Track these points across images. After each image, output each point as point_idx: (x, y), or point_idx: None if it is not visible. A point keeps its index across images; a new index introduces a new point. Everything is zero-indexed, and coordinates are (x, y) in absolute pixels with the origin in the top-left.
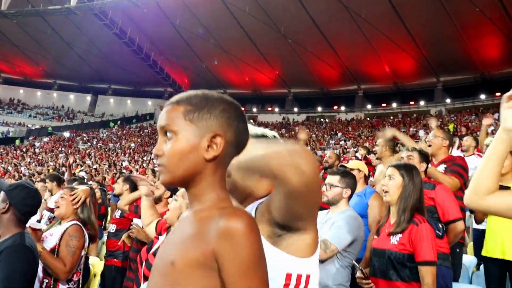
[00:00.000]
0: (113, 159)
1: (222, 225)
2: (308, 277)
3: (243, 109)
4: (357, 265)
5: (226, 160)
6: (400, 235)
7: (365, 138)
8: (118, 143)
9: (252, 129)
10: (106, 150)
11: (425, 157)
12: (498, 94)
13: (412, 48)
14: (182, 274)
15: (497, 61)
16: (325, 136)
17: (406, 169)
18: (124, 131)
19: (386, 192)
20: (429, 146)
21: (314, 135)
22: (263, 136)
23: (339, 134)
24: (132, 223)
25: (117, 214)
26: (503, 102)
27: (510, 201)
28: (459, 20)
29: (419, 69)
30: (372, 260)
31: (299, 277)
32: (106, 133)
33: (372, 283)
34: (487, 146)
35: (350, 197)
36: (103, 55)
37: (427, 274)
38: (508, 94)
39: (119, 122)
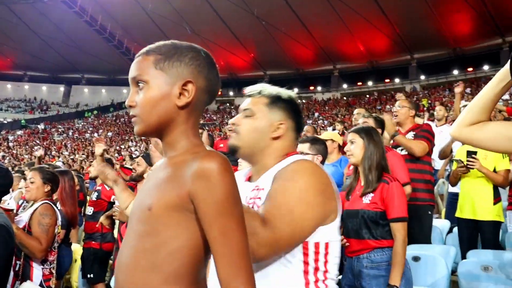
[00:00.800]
0: (91, 149)
1: (196, 166)
2: (327, 245)
3: (219, 93)
4: None
5: (198, 107)
6: (372, 194)
7: (342, 117)
8: (95, 133)
9: (267, 89)
10: (83, 140)
11: (380, 123)
12: (470, 69)
13: (385, 26)
14: (159, 218)
15: (468, 36)
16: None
17: (365, 131)
18: (101, 121)
19: (350, 155)
20: (396, 116)
21: None
22: (278, 97)
23: (316, 114)
24: (114, 206)
25: (94, 196)
26: None
27: (486, 131)
28: None
29: (393, 47)
30: (345, 222)
31: (316, 245)
32: (82, 123)
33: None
34: (464, 106)
35: (322, 163)
36: (74, 44)
37: (399, 230)
38: None
39: (95, 112)
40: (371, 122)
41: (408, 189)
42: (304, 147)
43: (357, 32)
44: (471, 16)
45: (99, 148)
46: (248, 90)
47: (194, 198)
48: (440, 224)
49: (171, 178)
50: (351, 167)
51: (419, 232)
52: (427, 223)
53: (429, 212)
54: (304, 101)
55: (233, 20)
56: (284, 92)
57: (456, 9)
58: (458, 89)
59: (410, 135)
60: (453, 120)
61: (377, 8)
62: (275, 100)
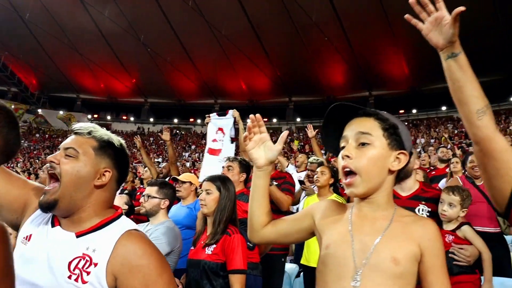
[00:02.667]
0: None
1: None
2: None
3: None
4: None
5: None
6: (214, 245)
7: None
8: None
9: (99, 131)
10: None
11: (246, 167)
12: None
13: (268, 68)
14: None
15: (341, 86)
16: (179, 148)
17: (222, 182)
18: None
19: (204, 205)
20: None
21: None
22: (108, 142)
23: (193, 147)
24: None
25: None
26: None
27: (279, 229)
28: (311, 47)
29: (273, 88)
30: (187, 271)
31: None
32: None
33: None
34: (310, 163)
35: (168, 208)
36: None
37: (236, 282)
38: (244, 135)
39: None
40: (235, 167)
41: None
42: (152, 190)
43: (240, 70)
44: (345, 69)
45: None
46: (76, 127)
47: None
48: (289, 268)
49: None
50: None
51: (272, 277)
52: (280, 269)
53: (282, 259)
54: (183, 132)
55: (118, 43)
56: (116, 138)
57: (332, 61)
58: (310, 134)
59: (273, 183)
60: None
61: (262, 50)
62: (105, 146)
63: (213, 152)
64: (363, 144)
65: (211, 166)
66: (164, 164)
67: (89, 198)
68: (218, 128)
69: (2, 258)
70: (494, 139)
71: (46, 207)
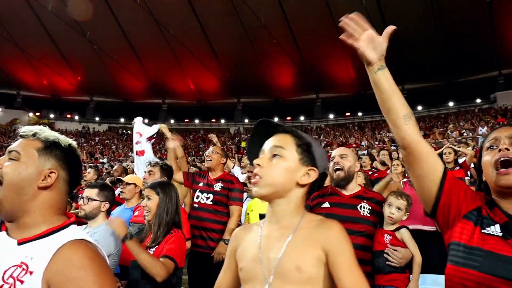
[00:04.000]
0: None
1: None
2: None
3: (38, 114)
4: None
5: None
6: (156, 246)
7: (165, 152)
8: None
9: (45, 132)
10: None
11: (167, 171)
12: (288, 118)
13: (216, 69)
14: None
15: (289, 89)
16: (125, 148)
17: (161, 187)
18: None
19: (148, 212)
20: (209, 160)
21: (114, 147)
22: (55, 143)
23: None
24: None
25: None
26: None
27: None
28: (259, 48)
29: (222, 89)
30: (130, 272)
31: None
32: None
33: None
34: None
35: (109, 211)
36: None
37: (167, 265)
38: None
39: None
40: (156, 171)
41: (188, 244)
42: (92, 192)
43: (189, 70)
44: (293, 72)
45: None
46: (22, 130)
47: None
48: None
49: None
50: None
51: (211, 275)
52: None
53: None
54: (129, 132)
55: (63, 39)
56: (64, 139)
57: (281, 63)
58: (213, 139)
59: (219, 185)
60: None
61: (210, 50)
62: (51, 146)
63: (140, 153)
64: (275, 155)
65: (140, 168)
66: (116, 166)
67: (34, 201)
68: (137, 132)
69: None
70: (421, 143)
71: None
